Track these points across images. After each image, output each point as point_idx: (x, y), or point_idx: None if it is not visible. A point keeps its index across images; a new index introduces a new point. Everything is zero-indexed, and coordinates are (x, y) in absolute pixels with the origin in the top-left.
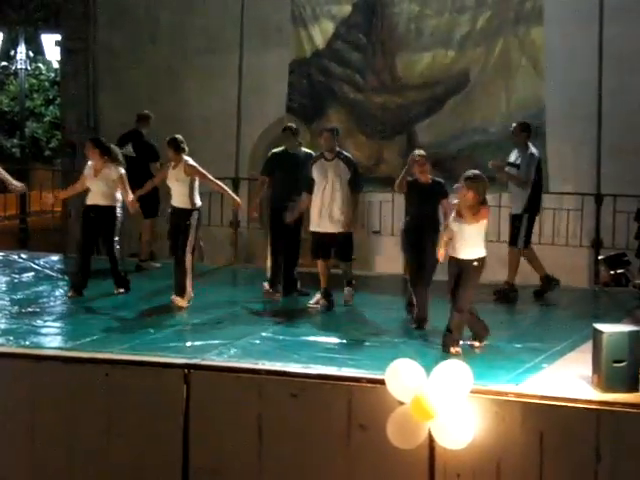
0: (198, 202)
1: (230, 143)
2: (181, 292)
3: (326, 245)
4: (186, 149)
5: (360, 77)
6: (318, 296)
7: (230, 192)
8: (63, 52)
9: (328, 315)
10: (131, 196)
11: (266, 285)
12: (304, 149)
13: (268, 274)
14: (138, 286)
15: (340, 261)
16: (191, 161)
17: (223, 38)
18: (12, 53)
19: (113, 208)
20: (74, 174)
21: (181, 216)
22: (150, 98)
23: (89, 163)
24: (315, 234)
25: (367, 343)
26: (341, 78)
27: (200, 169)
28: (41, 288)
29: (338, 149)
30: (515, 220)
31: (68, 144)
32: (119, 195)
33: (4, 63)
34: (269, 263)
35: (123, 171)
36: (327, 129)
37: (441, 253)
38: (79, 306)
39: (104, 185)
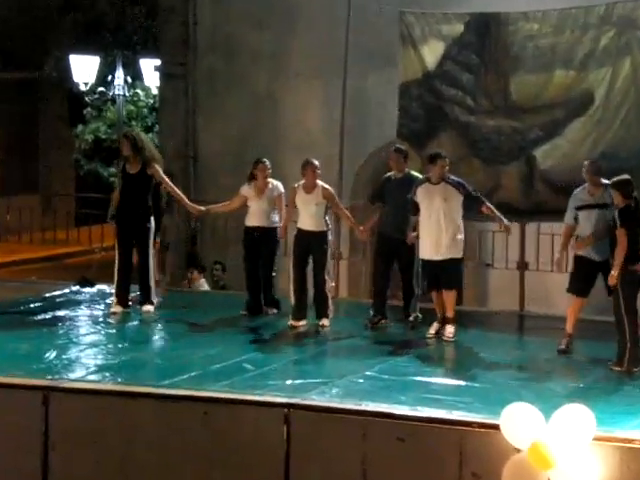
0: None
1: (331, 169)
2: (325, 314)
3: (437, 274)
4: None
5: (471, 99)
6: (436, 325)
7: (350, 217)
8: (162, 77)
9: (436, 353)
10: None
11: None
12: (413, 172)
13: (371, 305)
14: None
15: (445, 290)
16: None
17: (326, 61)
18: (109, 78)
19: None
20: (172, 203)
21: (316, 239)
22: (251, 124)
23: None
24: (427, 263)
25: (478, 384)
26: (452, 100)
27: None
28: (135, 322)
29: (448, 175)
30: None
31: (166, 173)
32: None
33: (101, 89)
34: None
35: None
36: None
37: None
38: (181, 339)
39: (267, 205)
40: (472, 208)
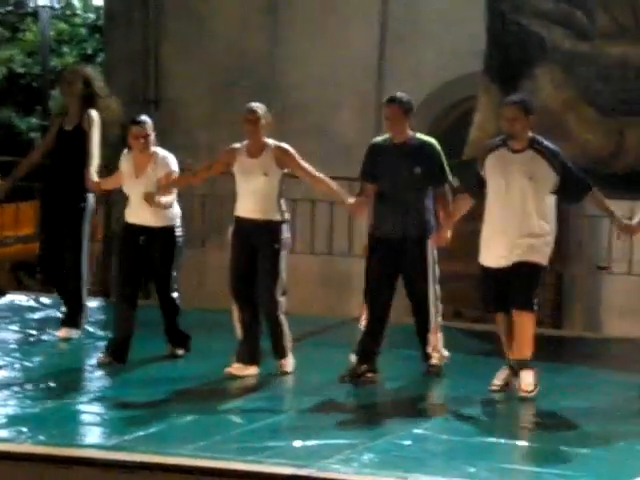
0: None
1: (366, 120)
2: (282, 352)
3: (507, 287)
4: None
5: (585, 17)
6: (505, 372)
7: (339, 190)
8: None
9: (510, 405)
10: None
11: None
12: (422, 136)
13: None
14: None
15: (518, 310)
16: (285, 145)
17: None
18: None
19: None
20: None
21: (265, 233)
22: (241, 50)
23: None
24: (488, 271)
25: (583, 450)
26: (554, 19)
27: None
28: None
29: (533, 135)
30: None
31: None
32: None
33: None
34: (363, 318)
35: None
36: (513, 101)
37: None
38: (120, 378)
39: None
40: (572, 197)
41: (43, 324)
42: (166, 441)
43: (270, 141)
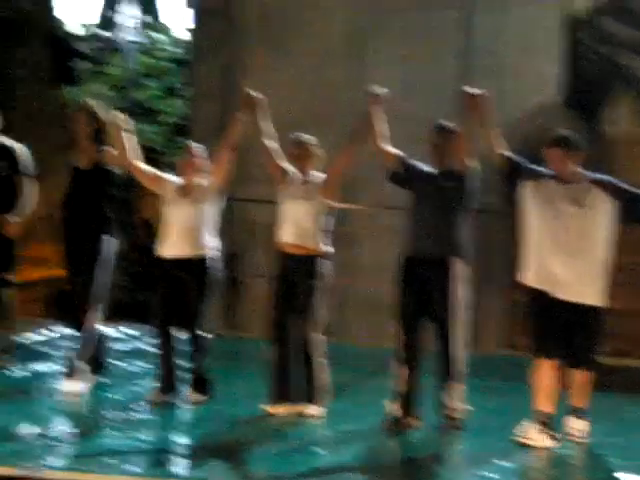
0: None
1: None
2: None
3: (563, 327)
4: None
5: None
6: (536, 430)
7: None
8: (196, 16)
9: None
10: None
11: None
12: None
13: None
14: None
15: (579, 366)
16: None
17: None
18: (115, 17)
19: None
20: None
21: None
22: (323, 83)
23: None
24: (539, 302)
25: None
26: (632, 46)
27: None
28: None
29: (581, 169)
30: None
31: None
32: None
33: (102, 32)
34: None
35: None
36: (554, 142)
37: None
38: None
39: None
40: (632, 214)
41: (128, 355)
42: None
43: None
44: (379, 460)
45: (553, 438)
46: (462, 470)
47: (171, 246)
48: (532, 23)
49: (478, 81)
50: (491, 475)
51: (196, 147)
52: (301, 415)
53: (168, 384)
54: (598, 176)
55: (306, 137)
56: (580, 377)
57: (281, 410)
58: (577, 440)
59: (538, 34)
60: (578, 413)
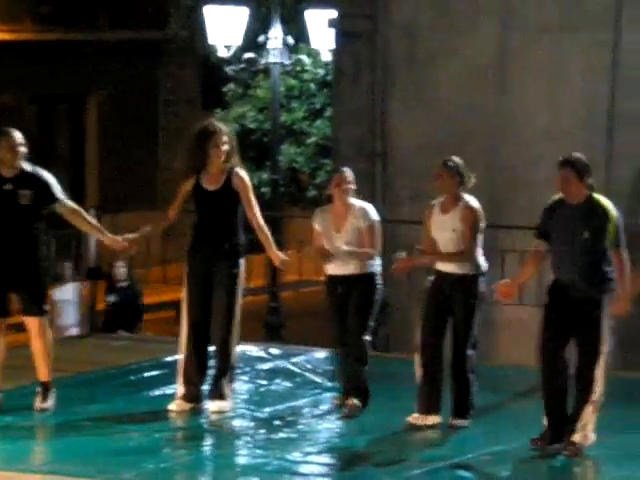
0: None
1: (597, 169)
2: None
3: None
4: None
5: None
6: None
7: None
8: (339, 37)
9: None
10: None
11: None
12: (597, 196)
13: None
14: None
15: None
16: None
17: (587, 7)
18: (262, 39)
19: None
20: None
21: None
22: (467, 106)
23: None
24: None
25: None
26: None
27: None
28: (300, 402)
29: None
30: None
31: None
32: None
33: (249, 55)
34: None
35: None
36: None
37: None
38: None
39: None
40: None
41: (272, 374)
42: None
43: (466, 197)
44: None
45: None
46: None
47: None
48: None
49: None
50: None
51: (348, 172)
52: (450, 427)
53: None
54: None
55: (452, 160)
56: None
57: (416, 421)
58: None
59: None
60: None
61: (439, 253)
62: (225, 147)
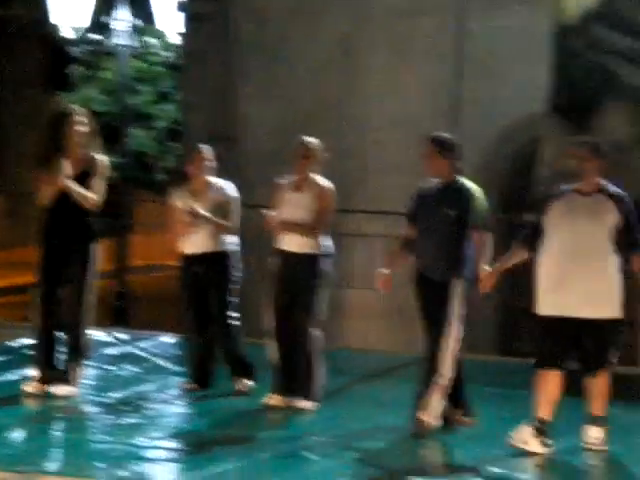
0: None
1: None
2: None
3: (571, 340)
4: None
5: None
6: (537, 445)
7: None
8: (188, 20)
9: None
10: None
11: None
12: (463, 180)
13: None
14: None
15: (595, 372)
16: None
17: None
18: (107, 21)
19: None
20: None
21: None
22: (318, 90)
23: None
24: (549, 321)
25: None
26: (623, 54)
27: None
28: (148, 387)
29: (601, 180)
30: None
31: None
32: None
33: (95, 36)
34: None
35: None
36: (586, 141)
37: None
38: (201, 410)
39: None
40: (621, 248)
41: (120, 359)
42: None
43: (318, 178)
44: None
45: (544, 445)
46: None
47: None
48: (522, 30)
49: (470, 90)
50: None
51: (207, 150)
52: (295, 409)
53: None
54: (613, 189)
55: (309, 140)
56: (598, 385)
57: (274, 401)
58: (596, 448)
59: (528, 41)
60: (597, 421)
61: (291, 222)
62: (84, 129)
